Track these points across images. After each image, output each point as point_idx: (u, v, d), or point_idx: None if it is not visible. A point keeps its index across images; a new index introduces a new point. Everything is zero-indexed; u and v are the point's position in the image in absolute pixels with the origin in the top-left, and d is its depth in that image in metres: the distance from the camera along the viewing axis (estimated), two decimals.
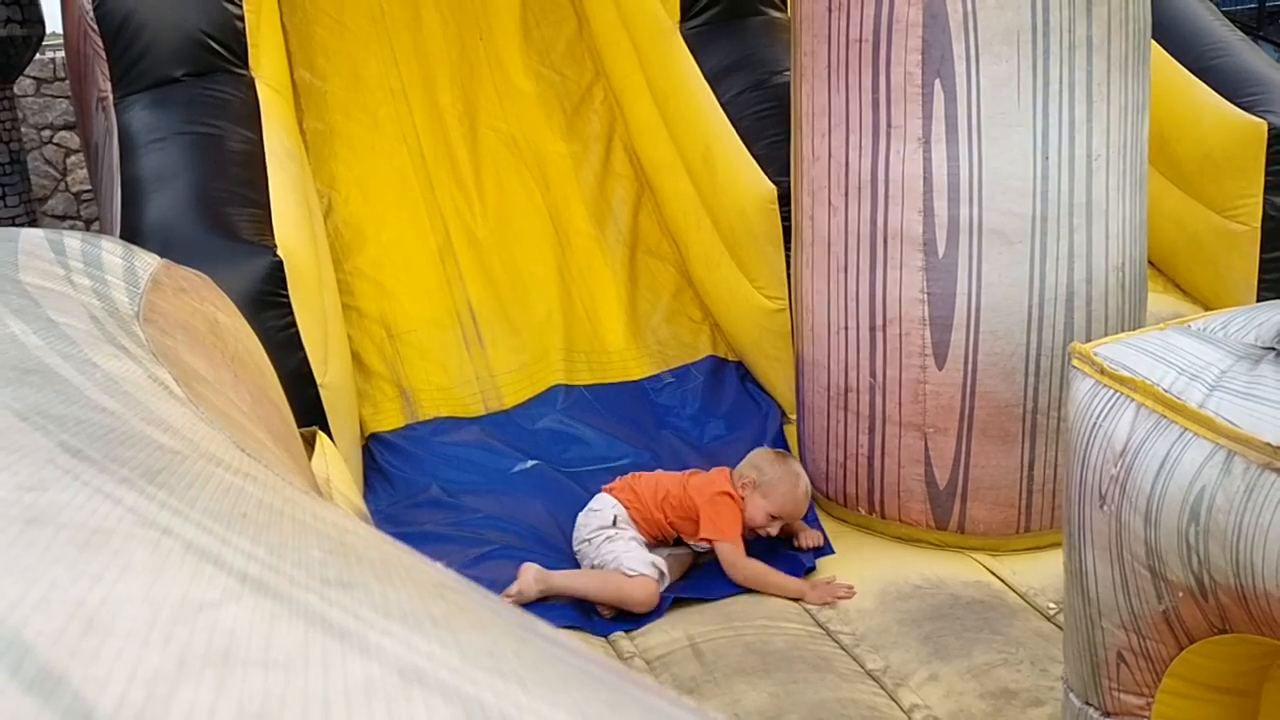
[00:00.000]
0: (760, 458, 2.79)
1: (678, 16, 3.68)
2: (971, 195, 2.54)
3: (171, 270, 0.91)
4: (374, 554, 0.44)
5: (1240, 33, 4.07)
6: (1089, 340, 2.73)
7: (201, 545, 0.39)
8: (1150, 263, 4.13)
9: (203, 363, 0.79)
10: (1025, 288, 2.56)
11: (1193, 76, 3.77)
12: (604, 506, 2.75)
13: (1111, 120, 2.54)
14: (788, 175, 3.07)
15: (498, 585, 2.58)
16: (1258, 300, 3.69)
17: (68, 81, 5.61)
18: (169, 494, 0.43)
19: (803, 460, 2.99)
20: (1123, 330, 2.66)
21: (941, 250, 2.56)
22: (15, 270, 0.71)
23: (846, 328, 2.79)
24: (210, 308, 0.95)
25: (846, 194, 2.69)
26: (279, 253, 2.78)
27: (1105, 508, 1.43)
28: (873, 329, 2.72)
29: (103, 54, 3.33)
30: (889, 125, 2.57)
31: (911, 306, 2.64)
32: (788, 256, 3.20)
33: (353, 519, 0.52)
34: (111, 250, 0.87)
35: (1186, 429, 1.31)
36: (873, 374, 2.74)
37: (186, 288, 0.92)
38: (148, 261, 0.89)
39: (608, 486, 2.81)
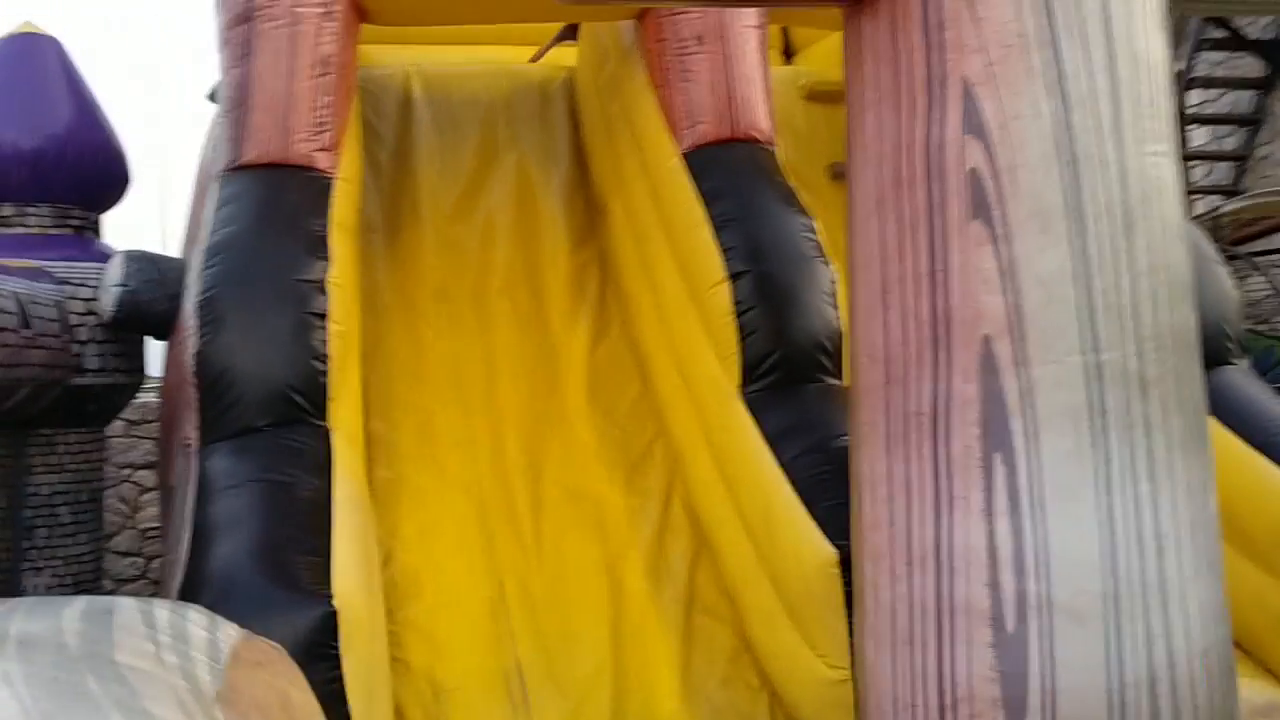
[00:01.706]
0: None
1: (738, 381, 3.82)
2: (1038, 570, 2.47)
3: (251, 644, 0.92)
4: None
5: None
6: None
7: None
8: (1237, 644, 3.94)
9: None
10: (1102, 670, 2.43)
11: (1257, 453, 3.77)
12: None
13: (1179, 499, 2.51)
14: (848, 539, 3.04)
15: None
16: None
17: (157, 424, 5.91)
18: None
19: None
20: None
21: (1011, 627, 2.46)
22: (112, 649, 0.73)
23: (913, 705, 2.63)
24: (284, 683, 0.94)
25: (910, 563, 2.64)
26: (334, 603, 2.77)
27: None
28: (942, 709, 2.57)
29: (195, 403, 3.52)
30: (950, 496, 2.57)
31: (983, 686, 2.50)
32: (850, 624, 3.10)
33: None
34: (197, 622, 0.88)
35: None
36: None
37: (264, 661, 0.93)
38: (229, 633, 0.91)
39: None
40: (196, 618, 0.90)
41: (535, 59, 5.73)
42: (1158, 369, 2.56)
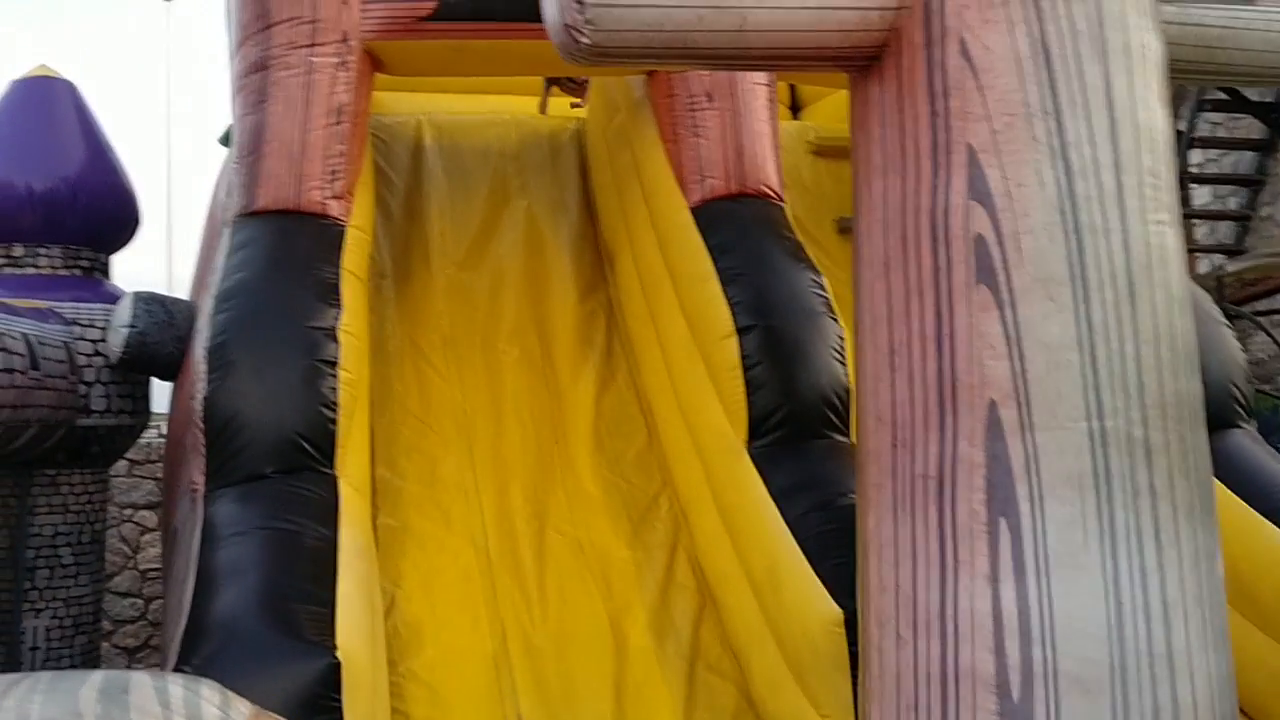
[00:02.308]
0: None
1: (745, 436, 3.83)
2: (1044, 637, 2.47)
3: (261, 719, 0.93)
4: None
5: None
6: None
7: None
8: (1242, 710, 3.90)
9: None
10: None
11: (1262, 518, 3.76)
12: None
13: (1185, 567, 2.51)
14: (854, 598, 3.04)
15: None
16: None
17: (162, 465, 5.91)
18: None
19: None
20: None
21: (1017, 695, 2.45)
22: None
23: None
24: None
25: (915, 627, 2.64)
26: (337, 655, 2.77)
27: None
28: None
29: (202, 448, 3.53)
30: (956, 561, 2.56)
31: None
32: (855, 685, 3.09)
33: None
34: (210, 699, 0.90)
35: None
36: None
37: None
38: (241, 710, 0.92)
39: None
40: (209, 694, 0.91)
41: (543, 110, 5.81)
42: (1162, 436, 2.57)
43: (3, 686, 0.77)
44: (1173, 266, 2.68)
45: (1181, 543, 2.52)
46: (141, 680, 0.84)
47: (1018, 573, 2.51)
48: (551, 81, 5.73)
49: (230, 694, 0.91)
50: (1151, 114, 2.69)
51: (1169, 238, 2.69)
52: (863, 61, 2.79)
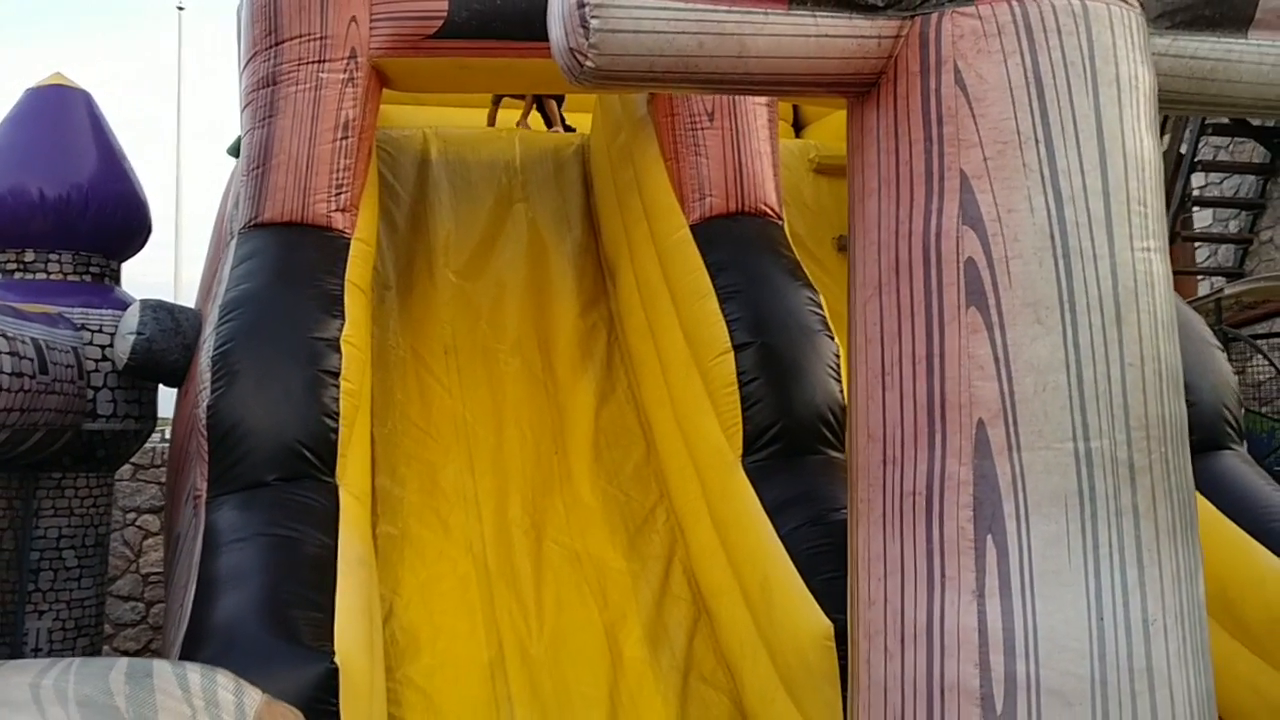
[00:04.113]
0: None
1: (740, 450, 3.88)
2: (1028, 652, 2.52)
3: (272, 707, 1.01)
4: None
5: None
6: None
7: None
8: None
9: None
10: None
11: (1251, 539, 3.81)
12: None
13: (1165, 585, 2.56)
14: (845, 612, 3.09)
15: None
16: None
17: (165, 470, 5.97)
18: None
19: None
20: None
21: (1000, 708, 2.50)
22: (155, 713, 0.83)
23: None
24: None
25: (902, 641, 2.69)
26: (336, 660, 2.82)
27: None
28: None
29: (205, 455, 3.59)
30: (943, 576, 2.62)
31: None
32: (845, 698, 3.13)
33: None
34: (225, 686, 0.98)
35: None
36: None
37: None
38: (253, 697, 1.00)
39: None
40: (224, 682, 0.99)
41: (521, 123, 5.90)
42: (1146, 457, 2.62)
43: (39, 668, 0.86)
44: (1159, 291, 2.74)
45: (1163, 561, 2.58)
46: (163, 666, 0.93)
47: (1003, 588, 2.56)
48: (536, 100, 5.83)
49: (243, 682, 0.99)
50: (1141, 143, 2.75)
51: (1156, 264, 2.75)
52: (860, 88, 2.86)
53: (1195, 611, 2.66)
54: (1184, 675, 2.58)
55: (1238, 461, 4.19)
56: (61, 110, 5.49)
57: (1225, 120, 8.95)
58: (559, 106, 6.15)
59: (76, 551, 5.10)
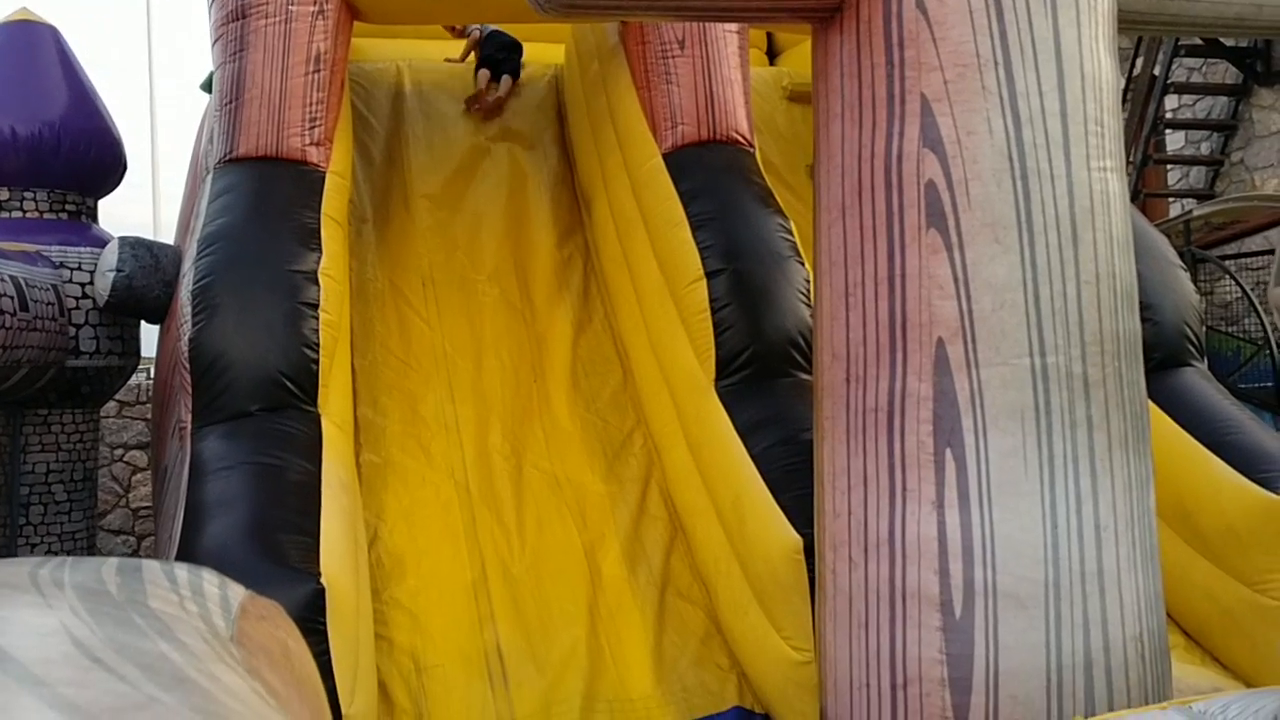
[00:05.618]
0: None
1: (713, 375, 3.97)
2: (985, 559, 2.64)
3: (255, 601, 1.10)
4: None
5: (1251, 411, 4.27)
6: (1111, 710, 2.72)
7: None
8: (1187, 635, 4.11)
9: (278, 681, 0.98)
10: (1042, 652, 2.59)
11: (1208, 451, 3.93)
12: None
13: (1117, 494, 2.67)
14: (813, 527, 3.20)
15: None
16: None
17: (150, 406, 6.03)
18: None
19: None
20: (1146, 702, 2.66)
21: (958, 612, 2.63)
22: (146, 598, 0.92)
23: (868, 684, 2.80)
24: (283, 634, 1.12)
25: (866, 551, 2.81)
26: (322, 581, 2.92)
27: None
28: (894, 687, 2.73)
29: (189, 388, 3.66)
30: (904, 488, 2.72)
31: (931, 667, 2.67)
32: (813, 608, 3.26)
33: None
34: (210, 580, 1.07)
35: None
36: None
37: (266, 615, 1.10)
38: (237, 591, 1.09)
39: None
40: (209, 577, 1.08)
41: (461, 59, 5.77)
42: (1100, 371, 2.72)
43: (35, 562, 0.95)
44: (1115, 211, 2.82)
45: (1115, 471, 2.69)
46: (151, 564, 1.02)
47: (962, 499, 2.67)
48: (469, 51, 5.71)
49: (227, 579, 1.08)
50: (1099, 64, 2.80)
51: (1113, 183, 2.82)
52: (824, 13, 2.90)
53: (1145, 518, 2.78)
54: (1133, 578, 2.71)
55: (1198, 378, 4.31)
56: (29, 46, 5.45)
57: (1198, 41, 8.95)
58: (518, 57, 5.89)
59: (65, 486, 5.18)
